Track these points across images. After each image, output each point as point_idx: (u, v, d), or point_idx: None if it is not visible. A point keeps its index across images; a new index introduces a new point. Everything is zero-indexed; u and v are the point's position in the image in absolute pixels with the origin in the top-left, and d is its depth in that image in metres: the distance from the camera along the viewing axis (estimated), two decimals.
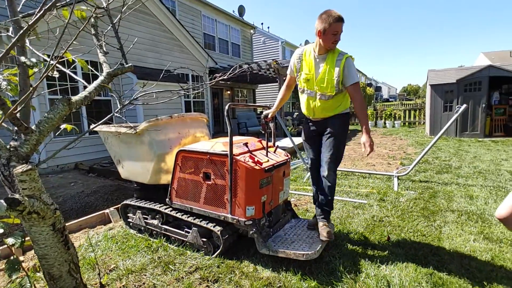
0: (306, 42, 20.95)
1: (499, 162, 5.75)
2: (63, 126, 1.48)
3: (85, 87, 1.67)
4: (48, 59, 1.38)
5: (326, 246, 2.44)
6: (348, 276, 2.05)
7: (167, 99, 1.71)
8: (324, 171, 2.25)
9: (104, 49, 1.92)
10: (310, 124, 2.45)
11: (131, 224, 2.99)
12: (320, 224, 2.31)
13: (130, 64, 1.83)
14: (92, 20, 1.95)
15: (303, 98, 2.40)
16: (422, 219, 3.08)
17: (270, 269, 2.17)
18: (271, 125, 2.64)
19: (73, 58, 1.68)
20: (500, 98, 9.73)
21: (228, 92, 13.58)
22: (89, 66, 1.63)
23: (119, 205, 3.14)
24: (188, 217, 2.51)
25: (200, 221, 2.42)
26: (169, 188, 2.61)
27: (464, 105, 4.31)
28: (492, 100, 9.61)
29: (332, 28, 2.09)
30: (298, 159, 6.15)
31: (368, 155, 2.21)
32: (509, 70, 8.61)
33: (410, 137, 10.08)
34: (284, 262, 2.23)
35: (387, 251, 2.39)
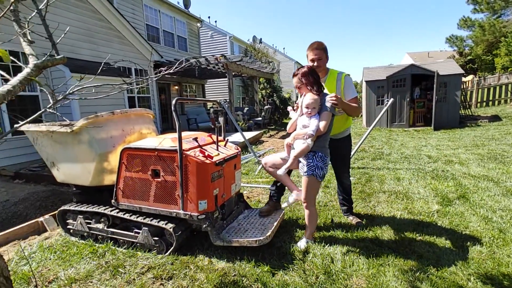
0: (254, 38, 21.20)
1: (420, 148, 6.69)
2: None
3: (6, 80, 1.48)
4: None
5: (277, 232, 2.59)
6: (297, 257, 2.22)
7: (107, 94, 1.60)
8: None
9: (29, 37, 1.71)
10: None
11: (71, 231, 2.74)
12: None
13: (62, 56, 1.67)
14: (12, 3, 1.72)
15: None
16: (360, 201, 3.45)
17: (225, 260, 2.22)
18: (221, 119, 2.67)
19: None
20: (420, 93, 11.25)
21: (176, 87, 13.09)
22: (12, 58, 1.45)
23: (56, 212, 2.85)
24: (137, 217, 2.41)
25: (151, 220, 2.35)
26: (115, 189, 2.47)
27: (392, 99, 4.90)
28: (414, 94, 11.05)
29: (308, 56, 2.55)
30: (249, 153, 6.29)
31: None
32: (426, 69, 9.99)
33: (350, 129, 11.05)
34: (238, 251, 2.30)
35: (331, 232, 2.64)
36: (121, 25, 8.15)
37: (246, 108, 13.39)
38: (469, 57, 25.14)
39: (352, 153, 4.97)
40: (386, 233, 2.59)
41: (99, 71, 1.59)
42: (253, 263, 2.15)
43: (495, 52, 21.85)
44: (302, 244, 2.36)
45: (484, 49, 23.25)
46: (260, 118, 12.16)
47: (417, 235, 2.54)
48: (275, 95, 15.52)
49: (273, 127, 12.49)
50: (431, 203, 3.29)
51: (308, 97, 2.20)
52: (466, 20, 24.96)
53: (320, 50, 2.53)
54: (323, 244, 2.42)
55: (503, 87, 12.77)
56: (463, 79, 13.21)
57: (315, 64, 2.52)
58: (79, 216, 2.66)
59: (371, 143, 7.65)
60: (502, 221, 2.72)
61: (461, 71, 10.15)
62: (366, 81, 11.00)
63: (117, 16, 7.94)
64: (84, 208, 2.64)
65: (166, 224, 2.29)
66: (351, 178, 4.31)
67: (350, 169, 3.05)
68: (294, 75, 2.35)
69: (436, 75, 9.34)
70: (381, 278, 1.95)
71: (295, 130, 2.34)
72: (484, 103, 13.10)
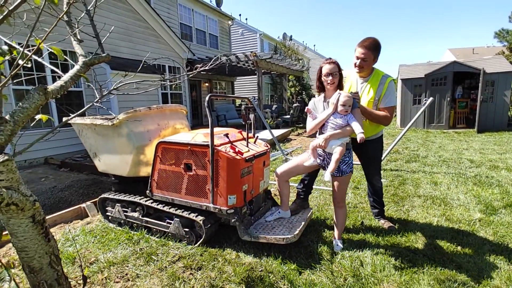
0: (284, 36, 20.99)
1: (461, 151, 6.23)
2: (38, 117, 1.44)
3: (58, 77, 1.61)
4: (19, 48, 1.32)
5: (305, 231, 2.57)
6: (325, 258, 2.18)
7: (145, 90, 1.69)
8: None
9: (79, 37, 1.85)
10: None
11: (110, 217, 2.94)
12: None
13: (106, 53, 1.78)
14: (65, 5, 1.87)
15: None
16: (393, 204, 3.30)
17: (252, 255, 2.25)
18: (251, 116, 2.69)
19: (45, 47, 1.61)
20: (463, 92, 10.44)
21: (206, 84, 13.39)
22: (65, 56, 1.58)
23: (97, 199, 3.06)
24: (169, 208, 2.52)
25: (182, 212, 2.44)
26: (150, 180, 2.60)
27: (431, 98, 4.61)
28: (456, 94, 10.28)
29: (355, 51, 2.38)
30: (277, 150, 6.27)
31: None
32: (471, 66, 9.24)
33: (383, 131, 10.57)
34: (265, 248, 2.32)
35: (360, 235, 2.56)
36: (157, 24, 8.50)
37: (275, 106, 13.35)
38: None
39: (384, 154, 4.77)
40: (420, 240, 2.46)
41: (139, 68, 1.68)
42: (280, 260, 2.15)
43: None
44: (339, 245, 2.32)
45: None
46: (288, 116, 12.06)
47: (455, 243, 2.38)
48: (304, 93, 15.30)
49: (301, 125, 12.32)
50: (473, 210, 3.06)
51: (344, 95, 2.15)
52: None
53: (368, 50, 2.30)
54: (352, 246, 2.35)
55: None
56: None
57: (357, 63, 2.37)
58: (117, 204, 2.84)
59: (406, 144, 7.26)
60: None
61: None
62: (402, 79, 10.45)
63: (154, 15, 8.30)
64: (121, 197, 2.81)
65: (196, 216, 2.37)
66: (382, 180, 4.15)
67: (382, 171, 2.93)
68: (332, 62, 2.15)
69: (482, 73, 8.61)
70: (414, 286, 1.86)
71: (316, 132, 2.28)
72: None
